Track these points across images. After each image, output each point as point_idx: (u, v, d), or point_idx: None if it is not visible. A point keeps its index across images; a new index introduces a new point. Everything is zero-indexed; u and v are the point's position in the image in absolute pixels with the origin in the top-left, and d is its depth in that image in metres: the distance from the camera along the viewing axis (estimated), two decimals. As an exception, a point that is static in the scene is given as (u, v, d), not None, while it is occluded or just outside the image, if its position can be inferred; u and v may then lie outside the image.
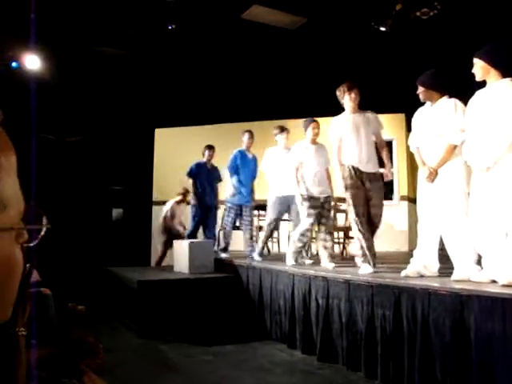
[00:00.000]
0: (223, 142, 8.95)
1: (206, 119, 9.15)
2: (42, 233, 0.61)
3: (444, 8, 5.74)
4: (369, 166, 4.92)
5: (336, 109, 5.96)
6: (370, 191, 4.90)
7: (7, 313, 0.51)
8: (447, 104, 4.15)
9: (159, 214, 8.83)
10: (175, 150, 9.53)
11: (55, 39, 7.79)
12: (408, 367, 3.71)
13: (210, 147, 7.93)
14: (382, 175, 5.05)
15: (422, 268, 4.26)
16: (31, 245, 0.58)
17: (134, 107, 9.32)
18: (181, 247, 6.80)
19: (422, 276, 4.21)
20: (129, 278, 6.22)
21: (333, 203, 6.47)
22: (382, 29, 6.61)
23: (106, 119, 9.23)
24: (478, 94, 3.86)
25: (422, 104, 4.41)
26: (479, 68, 3.81)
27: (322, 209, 5.72)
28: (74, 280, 6.93)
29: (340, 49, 7.69)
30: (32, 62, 7.92)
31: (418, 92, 4.30)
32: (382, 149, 5.10)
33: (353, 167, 4.90)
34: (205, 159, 7.91)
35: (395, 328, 3.92)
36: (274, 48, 8.07)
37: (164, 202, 9.32)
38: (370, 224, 4.90)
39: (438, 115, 4.17)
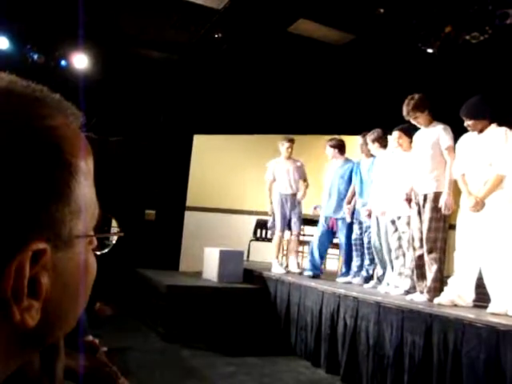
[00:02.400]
0: (261, 152, 8.98)
1: (245, 129, 9.19)
2: (114, 241, 0.61)
3: (495, 34, 5.63)
4: None
5: (377, 125, 5.92)
6: None
7: (75, 322, 0.50)
8: (497, 133, 4.03)
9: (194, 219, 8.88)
10: (212, 157, 9.59)
11: (103, 39, 7.98)
12: (436, 398, 3.62)
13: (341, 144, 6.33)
14: None
15: (456, 297, 4.15)
16: (103, 252, 0.58)
17: (175, 111, 9.43)
18: (211, 255, 6.82)
19: (455, 305, 4.11)
20: (158, 282, 6.27)
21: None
22: (429, 51, 6.52)
23: (147, 121, 9.36)
24: None
25: (465, 129, 4.32)
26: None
27: None
28: (102, 279, 7.02)
29: (385, 68, 7.64)
30: (80, 61, 8.11)
31: (465, 125, 4.18)
32: None
33: None
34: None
35: (424, 356, 3.83)
36: (319, 62, 8.06)
37: (196, 208, 9.39)
38: None
39: (486, 143, 4.05)
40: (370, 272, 5.77)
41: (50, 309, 0.45)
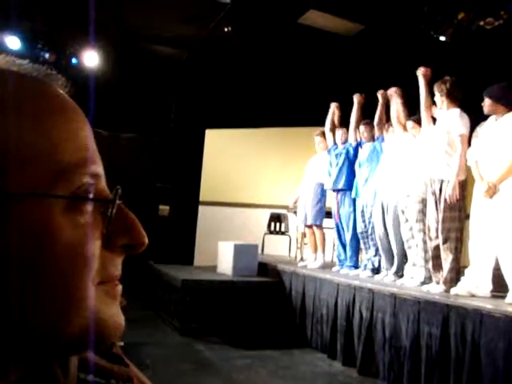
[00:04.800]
0: (274, 146, 8.97)
1: (256, 122, 9.16)
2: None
3: (510, 19, 5.53)
4: None
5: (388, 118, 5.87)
6: None
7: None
8: None
9: (208, 214, 8.89)
10: (225, 152, 9.58)
11: (113, 37, 7.99)
12: (454, 390, 3.59)
13: None
14: None
15: (473, 288, 4.10)
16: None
17: (187, 107, 9.43)
18: (225, 249, 6.82)
19: (473, 296, 4.06)
20: (173, 276, 6.29)
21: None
22: (442, 38, 6.42)
23: (158, 117, 9.38)
24: None
25: (479, 116, 4.27)
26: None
27: None
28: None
29: (396, 58, 7.55)
30: (91, 58, 8.14)
31: (482, 104, 4.14)
32: None
33: None
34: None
35: (442, 348, 3.79)
36: (329, 54, 8.00)
37: (210, 203, 9.40)
38: None
39: (503, 130, 3.99)
40: (376, 264, 5.70)
41: None
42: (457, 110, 4.48)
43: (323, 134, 6.62)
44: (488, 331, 3.43)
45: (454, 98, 4.52)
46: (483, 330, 3.47)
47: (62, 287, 0.38)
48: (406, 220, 5.08)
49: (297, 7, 7.01)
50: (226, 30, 7.63)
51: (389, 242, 5.38)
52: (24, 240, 0.36)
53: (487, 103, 4.10)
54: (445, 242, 4.39)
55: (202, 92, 9.15)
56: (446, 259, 4.38)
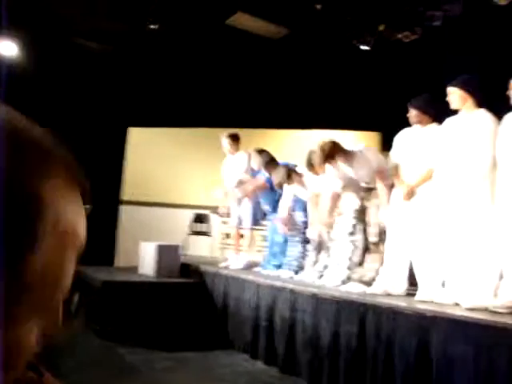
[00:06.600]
0: (199, 146, 8.93)
1: (181, 122, 9.07)
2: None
3: (425, 34, 5.88)
4: None
5: (313, 122, 6.04)
6: None
7: None
8: (438, 130, 4.22)
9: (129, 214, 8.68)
10: (148, 151, 9.40)
11: (35, 27, 7.63)
12: (370, 385, 3.75)
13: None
14: None
15: (389, 287, 4.31)
16: None
17: (109, 103, 9.17)
18: (147, 249, 6.70)
19: (389, 294, 4.26)
20: (93, 278, 6.09)
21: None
22: (364, 47, 6.70)
23: (79, 112, 9.05)
24: (450, 120, 4.02)
25: (401, 124, 4.50)
26: (458, 97, 3.93)
27: None
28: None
29: (320, 63, 7.77)
30: (8, 48, 7.71)
31: (408, 115, 4.36)
32: None
33: None
34: None
35: (359, 345, 3.94)
36: (256, 56, 8.09)
37: (133, 203, 9.20)
38: None
39: (426, 139, 4.23)
40: (299, 263, 5.71)
41: None
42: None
43: (232, 137, 6.48)
44: (401, 328, 3.62)
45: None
46: (397, 327, 3.65)
47: None
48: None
49: (225, 8, 7.03)
50: (152, 27, 7.50)
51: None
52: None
53: (413, 113, 4.33)
54: (374, 243, 4.60)
55: (126, 89, 8.94)
56: (368, 259, 4.59)
